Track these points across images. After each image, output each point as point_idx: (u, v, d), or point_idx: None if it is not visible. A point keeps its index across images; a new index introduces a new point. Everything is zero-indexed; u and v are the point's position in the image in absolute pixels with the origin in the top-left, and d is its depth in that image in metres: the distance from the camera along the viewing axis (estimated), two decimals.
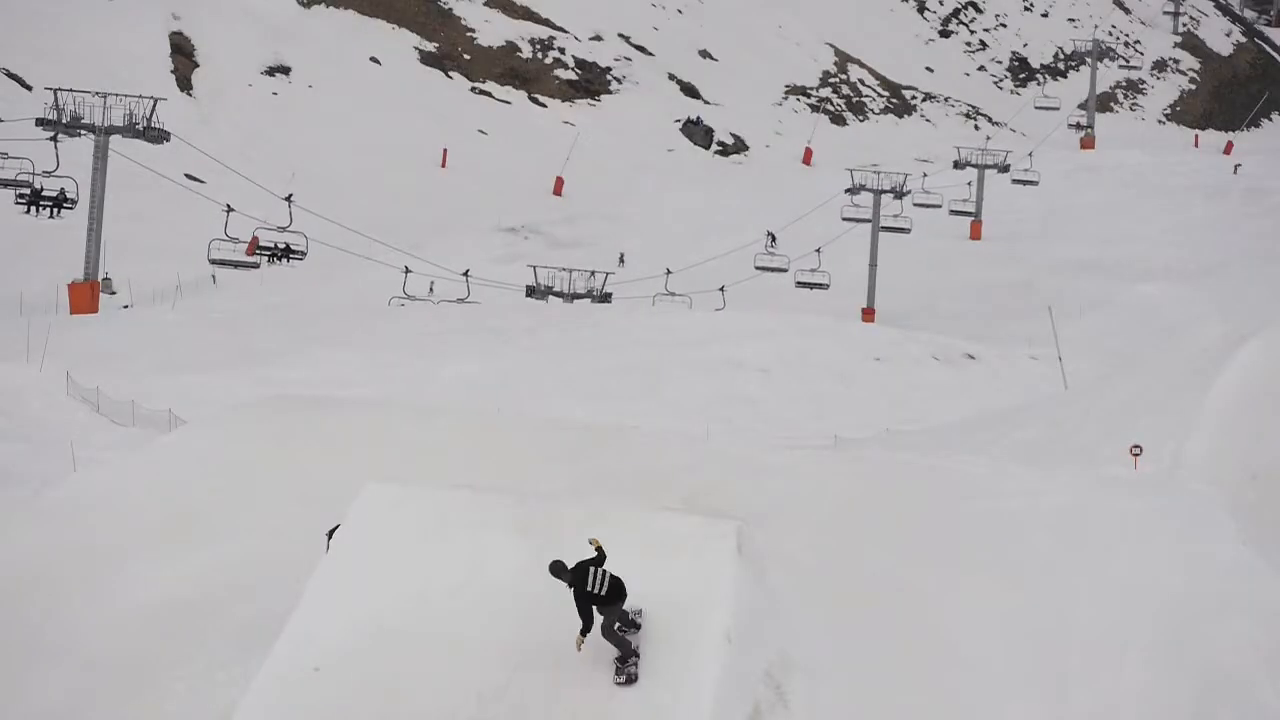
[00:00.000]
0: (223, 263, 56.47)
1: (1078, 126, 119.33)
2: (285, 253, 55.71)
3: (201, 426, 18.96)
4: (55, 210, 55.66)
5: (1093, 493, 16.18)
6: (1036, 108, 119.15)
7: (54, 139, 55.78)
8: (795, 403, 48.92)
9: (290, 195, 54.75)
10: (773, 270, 70.14)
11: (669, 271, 68.20)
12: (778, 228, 79.89)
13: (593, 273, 64.16)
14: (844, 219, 76.57)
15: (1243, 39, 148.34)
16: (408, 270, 59.04)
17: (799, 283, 69.43)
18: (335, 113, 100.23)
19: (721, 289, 66.89)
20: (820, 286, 68.87)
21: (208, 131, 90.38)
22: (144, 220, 75.64)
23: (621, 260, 77.88)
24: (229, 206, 53.87)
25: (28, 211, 55.54)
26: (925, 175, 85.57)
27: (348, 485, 13.73)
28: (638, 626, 13.30)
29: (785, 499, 15.58)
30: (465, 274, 60.05)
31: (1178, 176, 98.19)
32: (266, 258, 56.29)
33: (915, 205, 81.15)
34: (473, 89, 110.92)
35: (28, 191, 54.86)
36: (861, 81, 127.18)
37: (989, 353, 55.00)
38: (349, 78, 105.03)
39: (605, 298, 63.60)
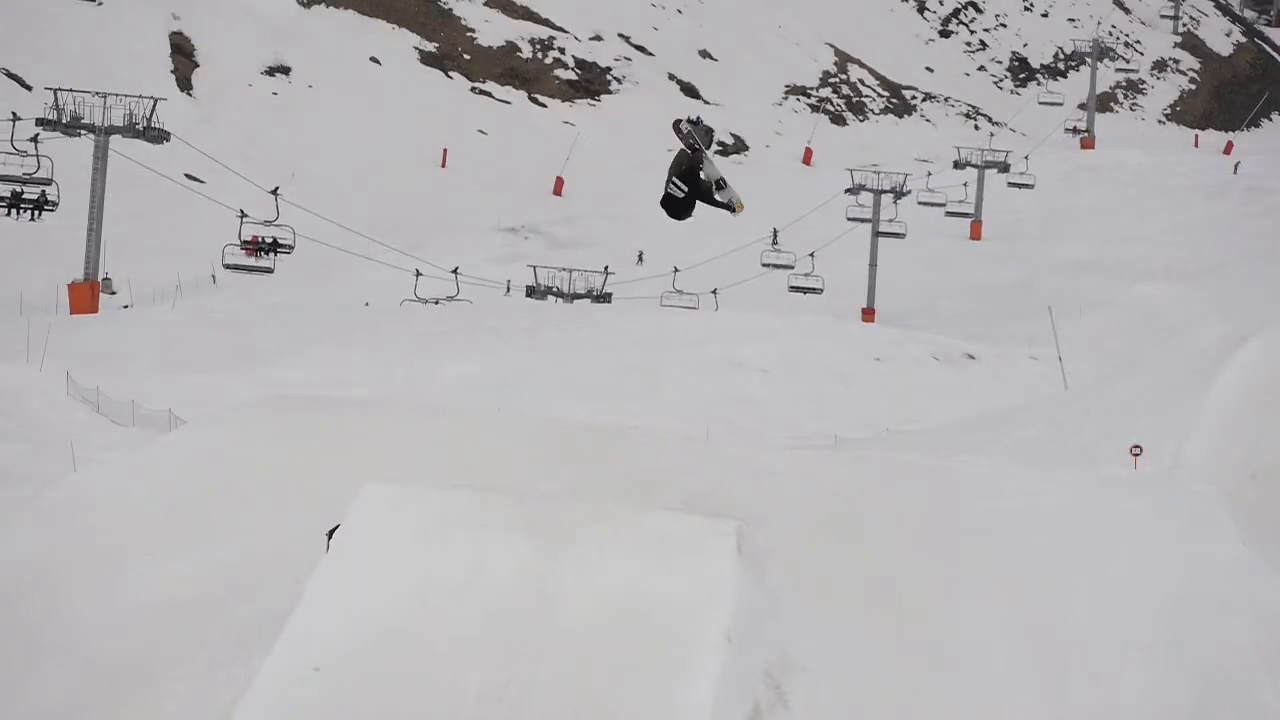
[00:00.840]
0: (238, 267, 56.42)
1: (1074, 130, 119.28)
2: (272, 247, 55.55)
3: (201, 426, 18.92)
4: (36, 212, 55.04)
5: (1093, 493, 16.16)
6: (1040, 103, 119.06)
7: (34, 139, 55.29)
8: (795, 403, 48.95)
9: (276, 188, 54.33)
10: (780, 268, 70.13)
11: (676, 270, 68.14)
12: (779, 228, 80.00)
13: (605, 268, 64.13)
14: (849, 219, 76.74)
15: (1243, 39, 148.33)
16: (418, 274, 58.71)
17: (792, 287, 69.41)
18: (335, 113, 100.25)
19: (714, 291, 66.79)
20: (814, 291, 68.81)
21: (208, 131, 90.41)
22: (144, 220, 75.67)
23: (640, 258, 78.08)
24: (242, 212, 53.54)
25: (8, 214, 55.04)
26: (929, 174, 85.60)
27: (348, 485, 13.70)
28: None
29: (785, 499, 15.55)
30: (454, 271, 59.86)
31: (1178, 176, 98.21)
32: (255, 253, 56.16)
33: (920, 204, 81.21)
34: (473, 89, 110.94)
35: (8, 194, 54.21)
36: (861, 81, 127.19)
37: (989, 353, 55.02)
38: (349, 78, 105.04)
39: (605, 298, 63.61)
